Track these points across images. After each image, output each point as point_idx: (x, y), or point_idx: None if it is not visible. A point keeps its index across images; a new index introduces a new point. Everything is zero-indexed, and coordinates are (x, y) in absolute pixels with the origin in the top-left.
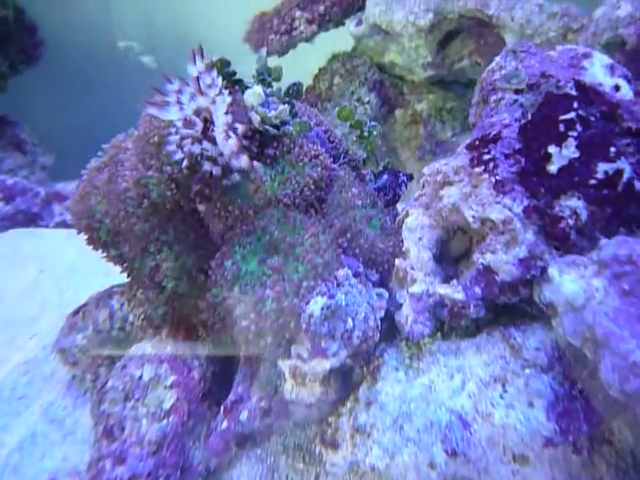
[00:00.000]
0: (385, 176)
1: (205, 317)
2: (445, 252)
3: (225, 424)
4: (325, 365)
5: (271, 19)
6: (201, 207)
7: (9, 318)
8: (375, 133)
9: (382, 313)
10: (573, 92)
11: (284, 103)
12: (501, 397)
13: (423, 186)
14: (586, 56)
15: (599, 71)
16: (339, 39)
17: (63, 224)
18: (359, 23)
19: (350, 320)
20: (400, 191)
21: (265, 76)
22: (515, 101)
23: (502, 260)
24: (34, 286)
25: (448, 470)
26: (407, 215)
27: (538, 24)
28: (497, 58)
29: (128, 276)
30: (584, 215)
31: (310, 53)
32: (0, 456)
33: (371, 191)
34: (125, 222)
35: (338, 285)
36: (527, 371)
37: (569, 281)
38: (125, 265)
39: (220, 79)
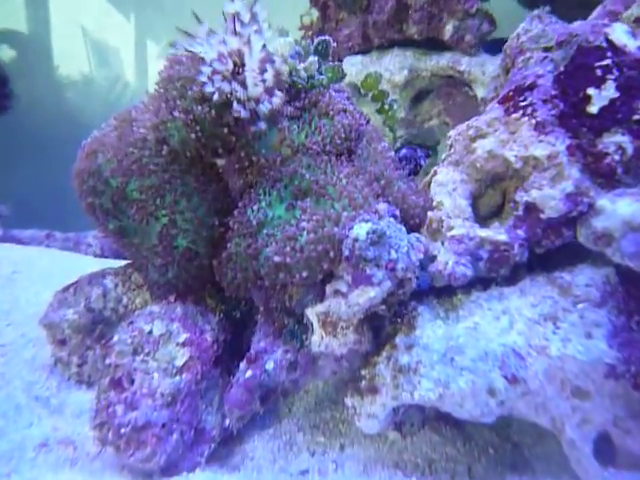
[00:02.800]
0: (404, 150)
1: (223, 272)
2: (475, 210)
3: (250, 373)
4: (370, 294)
5: None
6: (220, 162)
7: None
8: (395, 107)
9: (421, 255)
10: (604, 44)
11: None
12: (554, 333)
13: (450, 147)
14: (606, 25)
15: (622, 35)
16: None
17: None
18: None
19: (393, 251)
20: (422, 162)
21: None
22: (545, 57)
23: (549, 195)
24: (7, 284)
25: (507, 398)
26: (435, 174)
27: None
28: (522, 24)
29: (128, 252)
30: (630, 149)
31: None
32: None
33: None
34: (140, 174)
35: (380, 217)
36: (580, 306)
37: (625, 204)
38: (124, 240)
39: (263, 14)
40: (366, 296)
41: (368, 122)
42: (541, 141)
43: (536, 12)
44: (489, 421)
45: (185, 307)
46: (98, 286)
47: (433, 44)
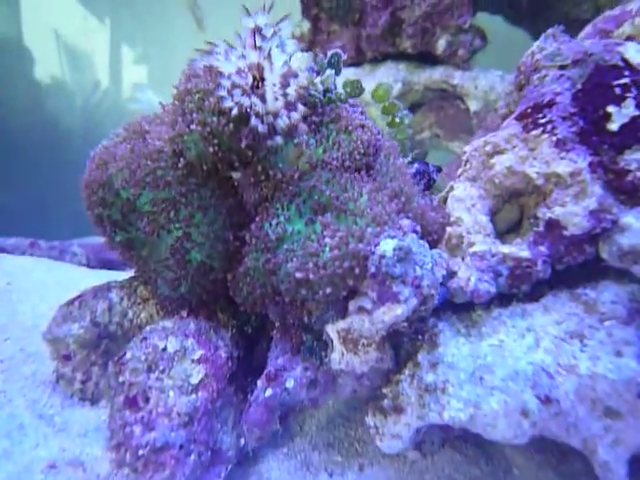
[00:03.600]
0: (416, 164)
1: (238, 286)
2: (493, 225)
3: (270, 392)
4: (397, 311)
5: None
6: (236, 175)
7: None
8: (407, 122)
9: (444, 272)
10: (621, 63)
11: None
12: (581, 351)
13: (466, 162)
14: (618, 44)
15: (635, 54)
16: None
17: None
18: None
19: (418, 268)
20: (435, 177)
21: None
22: (561, 75)
23: (572, 212)
24: (2, 296)
25: (540, 418)
26: (452, 189)
27: (501, 90)
28: (536, 42)
29: (136, 264)
30: None
31: None
32: None
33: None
34: (154, 187)
35: (404, 233)
36: (607, 323)
37: None
38: (131, 252)
39: (285, 30)
40: (392, 313)
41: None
42: (563, 158)
43: (550, 31)
44: (522, 442)
45: (198, 322)
46: (104, 300)
47: (425, 57)
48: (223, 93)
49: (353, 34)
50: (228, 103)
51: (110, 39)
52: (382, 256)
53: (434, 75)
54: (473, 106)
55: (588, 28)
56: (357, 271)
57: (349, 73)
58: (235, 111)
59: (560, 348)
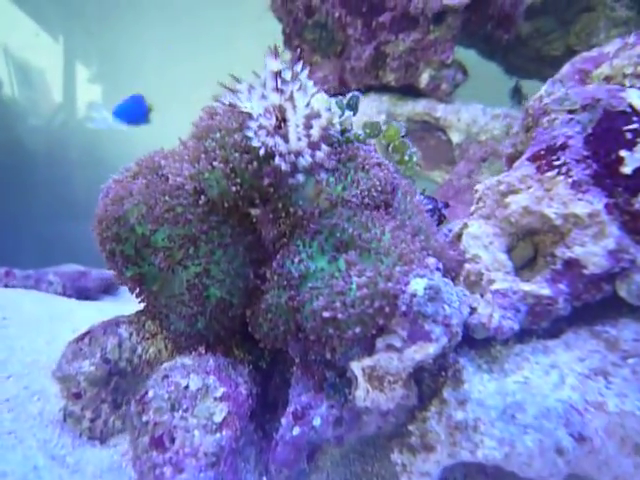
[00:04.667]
0: (425, 200)
1: (258, 323)
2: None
3: (297, 430)
4: (429, 350)
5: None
6: (254, 211)
7: None
8: (415, 159)
9: (468, 309)
10: (628, 110)
11: (344, 113)
12: (607, 388)
13: (478, 200)
14: (620, 90)
15: (638, 101)
16: None
17: None
18: None
19: (447, 306)
20: (444, 213)
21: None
22: (571, 119)
23: (592, 252)
24: None
25: (575, 456)
26: (465, 227)
27: (483, 123)
28: (544, 87)
29: (145, 299)
30: None
31: None
32: None
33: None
34: (173, 223)
35: (431, 271)
36: (631, 361)
37: None
38: (142, 287)
39: (304, 73)
40: (424, 352)
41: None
42: (580, 199)
43: (558, 76)
44: None
45: (217, 359)
46: (113, 336)
47: (408, 90)
48: (251, 134)
49: (336, 65)
50: (255, 143)
51: (63, 56)
52: (413, 295)
53: (417, 107)
54: (455, 138)
55: (567, 67)
56: (387, 310)
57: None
58: (262, 151)
59: (586, 385)
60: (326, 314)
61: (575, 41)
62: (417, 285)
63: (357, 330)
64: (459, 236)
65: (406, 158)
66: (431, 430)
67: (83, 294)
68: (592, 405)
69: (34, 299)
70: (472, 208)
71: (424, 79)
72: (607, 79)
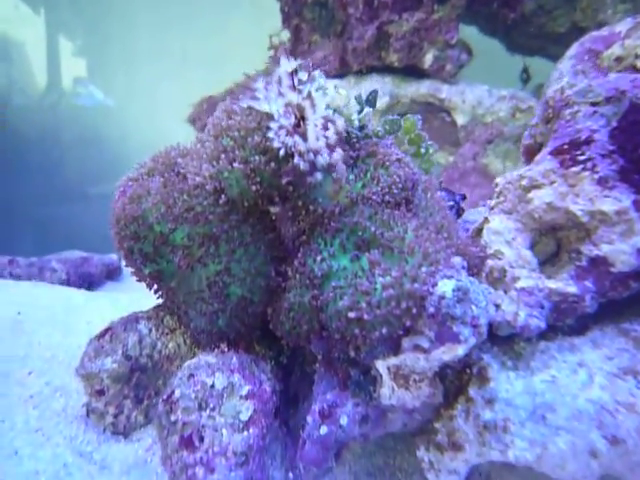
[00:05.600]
0: (443, 193)
1: (279, 325)
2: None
3: (325, 429)
4: (458, 351)
5: (223, 99)
6: (273, 209)
7: None
8: (431, 152)
9: (493, 307)
10: None
11: (363, 109)
12: (637, 387)
13: (499, 194)
14: None
15: None
16: None
17: None
18: None
19: (474, 307)
20: (463, 206)
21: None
22: (595, 112)
23: (620, 250)
24: (16, 327)
25: (609, 458)
26: (486, 222)
27: (489, 105)
28: (565, 78)
29: (163, 296)
30: None
31: None
32: None
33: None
34: (193, 222)
35: (458, 271)
36: None
37: None
38: (161, 283)
39: (321, 75)
40: (453, 353)
41: None
42: (607, 196)
43: (580, 67)
44: None
45: (240, 356)
46: (134, 332)
47: (411, 71)
48: (272, 134)
49: (336, 45)
50: (276, 144)
51: (46, 30)
52: (442, 297)
53: (421, 89)
54: (460, 120)
55: (576, 47)
56: (414, 311)
57: (333, 85)
58: (282, 152)
59: (615, 385)
60: (352, 314)
61: (581, 17)
62: (445, 287)
63: (384, 331)
64: (479, 231)
65: (422, 151)
66: (458, 429)
67: (87, 280)
68: (623, 406)
69: (46, 293)
70: (492, 202)
71: (428, 59)
72: (618, 60)
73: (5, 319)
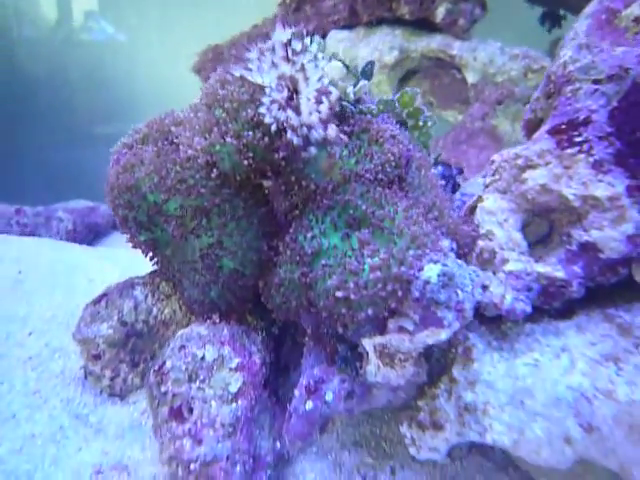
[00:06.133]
0: (440, 167)
1: (270, 298)
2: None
3: (310, 404)
4: (441, 335)
5: (228, 50)
6: (267, 183)
7: None
8: (430, 124)
9: (481, 290)
10: None
11: (359, 81)
12: (617, 375)
13: (494, 172)
14: None
15: None
16: None
17: None
18: None
19: (460, 292)
20: (459, 182)
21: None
22: (596, 90)
23: (610, 236)
24: (16, 286)
25: (583, 445)
26: (480, 200)
27: (501, 64)
28: (568, 52)
29: (158, 263)
30: None
31: None
32: (36, 445)
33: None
34: (186, 194)
35: (445, 255)
36: None
37: None
38: (156, 251)
39: (315, 46)
40: (436, 337)
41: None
42: (600, 181)
43: (584, 41)
44: (564, 467)
45: (231, 328)
46: (129, 298)
47: (422, 24)
48: (263, 109)
49: None
50: (268, 119)
51: None
52: (427, 282)
53: (432, 44)
54: (471, 78)
55: (594, 4)
56: (400, 294)
57: (343, 37)
58: (274, 127)
59: (596, 371)
60: (339, 293)
61: None
62: (431, 272)
63: (369, 312)
64: (473, 209)
65: (420, 123)
66: (440, 408)
67: (93, 230)
68: (602, 392)
69: (48, 250)
70: (487, 180)
71: (440, 13)
72: (637, 20)
73: (6, 279)
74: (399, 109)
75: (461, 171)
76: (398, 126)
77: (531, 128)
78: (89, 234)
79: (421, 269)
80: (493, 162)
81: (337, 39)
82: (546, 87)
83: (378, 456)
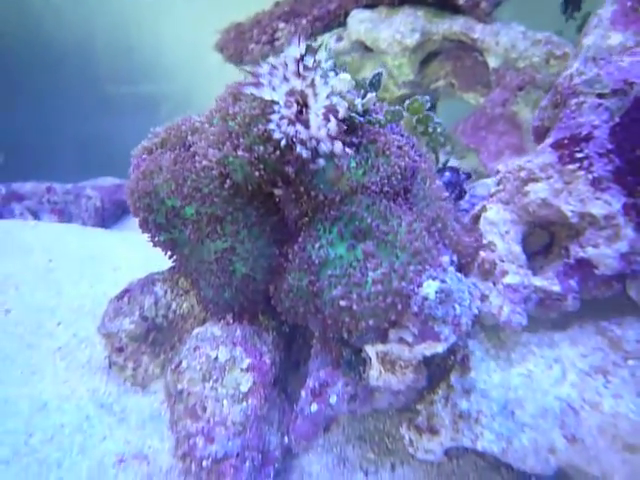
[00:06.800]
0: (447, 173)
1: (280, 302)
2: (524, 247)
3: (315, 407)
4: (437, 348)
5: (250, 28)
6: (277, 191)
7: (31, 305)
8: (439, 130)
9: (479, 303)
10: None
11: (367, 92)
12: (605, 387)
13: (499, 182)
14: None
15: None
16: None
17: None
18: (339, 39)
19: (457, 306)
20: (465, 188)
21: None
22: (600, 105)
23: (604, 254)
24: (47, 276)
25: (567, 455)
26: (484, 210)
27: (523, 49)
28: (575, 64)
29: (176, 261)
30: None
31: None
32: (64, 434)
33: (443, 186)
34: (201, 202)
35: (444, 270)
36: (630, 362)
37: None
38: (174, 251)
39: (328, 63)
40: (433, 350)
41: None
42: (598, 198)
43: (591, 54)
44: (548, 474)
45: (243, 328)
46: (150, 295)
47: (444, 3)
48: (273, 126)
49: None
50: (277, 135)
51: None
52: (425, 298)
53: (454, 26)
54: (492, 62)
55: None
56: (400, 307)
57: (365, 17)
58: (284, 142)
59: (585, 383)
60: (343, 303)
61: None
62: (429, 288)
63: (371, 322)
64: (477, 217)
65: (430, 130)
66: (437, 414)
67: (120, 207)
68: (589, 404)
69: (75, 237)
70: (492, 190)
71: None
72: None
73: (38, 269)
74: (409, 115)
75: (469, 176)
76: (405, 135)
77: (540, 134)
78: (117, 210)
79: (420, 285)
80: (498, 172)
81: (359, 19)
82: (553, 97)
83: (380, 452)
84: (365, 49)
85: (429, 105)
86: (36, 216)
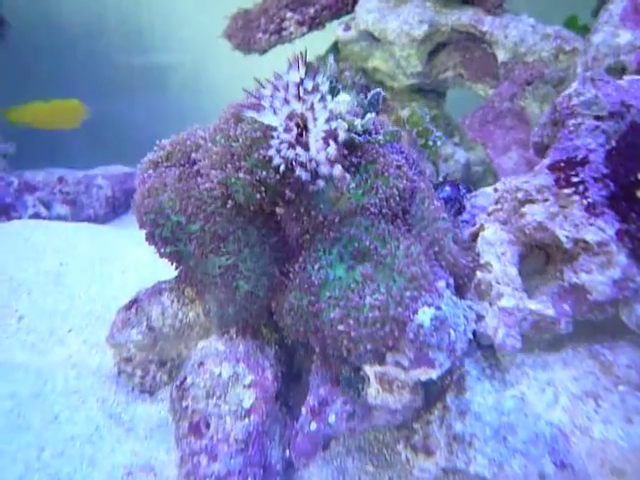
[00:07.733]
0: (447, 187)
1: (281, 318)
2: (521, 267)
3: (314, 426)
4: (431, 374)
5: (258, 17)
6: (279, 210)
7: (43, 309)
8: (439, 144)
9: (474, 325)
10: None
11: (366, 112)
12: (595, 412)
13: (497, 201)
14: None
15: None
16: (310, 39)
17: (37, 217)
18: (347, 28)
19: (452, 332)
20: (465, 202)
21: (336, 84)
22: (597, 127)
23: (597, 280)
24: (58, 280)
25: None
26: (482, 229)
27: (532, 43)
28: (574, 84)
29: (183, 272)
30: None
31: (283, 52)
32: (75, 447)
33: (442, 203)
34: (204, 221)
35: (439, 296)
36: (621, 388)
37: None
38: (180, 262)
39: (326, 85)
40: (427, 375)
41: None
42: (592, 224)
43: (589, 74)
44: None
45: (246, 344)
46: (157, 305)
47: None
48: (272, 152)
49: None
50: (276, 161)
51: None
52: (420, 325)
53: (463, 18)
54: (501, 56)
55: None
56: (396, 334)
57: (373, 7)
58: (283, 167)
59: (576, 407)
60: (341, 327)
61: None
62: (424, 315)
63: (368, 346)
64: (476, 236)
65: (430, 143)
66: (432, 435)
67: (130, 196)
68: (579, 429)
69: (85, 237)
70: (490, 208)
71: None
72: None
73: (50, 273)
74: (409, 127)
75: (469, 190)
76: (405, 152)
77: (539, 150)
78: (127, 199)
79: (416, 312)
80: (496, 190)
81: (367, 9)
82: (552, 115)
83: (379, 464)
84: (373, 38)
85: (428, 117)
86: (48, 207)
